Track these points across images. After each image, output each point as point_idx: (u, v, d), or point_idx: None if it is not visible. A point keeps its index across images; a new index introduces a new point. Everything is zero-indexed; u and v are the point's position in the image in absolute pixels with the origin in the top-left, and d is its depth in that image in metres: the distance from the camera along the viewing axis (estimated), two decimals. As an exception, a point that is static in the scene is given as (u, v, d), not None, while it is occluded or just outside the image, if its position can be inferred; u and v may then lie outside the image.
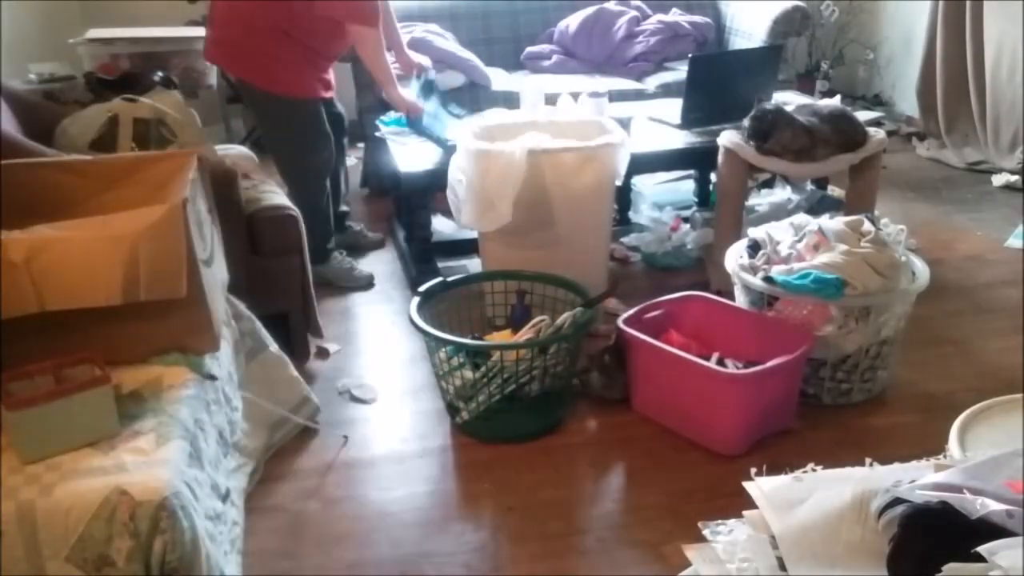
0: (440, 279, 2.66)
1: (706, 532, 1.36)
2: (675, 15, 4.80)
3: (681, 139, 3.49)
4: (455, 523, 2.15)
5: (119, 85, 3.14)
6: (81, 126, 2.63)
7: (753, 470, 1.43)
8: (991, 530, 0.95)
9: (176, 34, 3.99)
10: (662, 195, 4.03)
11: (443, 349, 2.41)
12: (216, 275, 2.02)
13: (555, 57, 4.71)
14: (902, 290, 2.47)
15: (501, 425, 2.39)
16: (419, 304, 2.50)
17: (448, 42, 4.37)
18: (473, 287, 2.78)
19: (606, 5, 4.81)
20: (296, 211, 2.77)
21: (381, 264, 3.57)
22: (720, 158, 3.13)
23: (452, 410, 2.48)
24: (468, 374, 2.41)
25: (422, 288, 2.59)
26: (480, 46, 4.52)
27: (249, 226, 2.67)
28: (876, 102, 5.53)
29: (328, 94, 3.29)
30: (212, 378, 1.88)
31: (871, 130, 3.11)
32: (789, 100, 3.73)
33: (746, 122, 3.03)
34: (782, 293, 2.45)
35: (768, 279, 2.47)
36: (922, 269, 2.55)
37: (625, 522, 2.12)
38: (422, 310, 2.49)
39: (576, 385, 2.57)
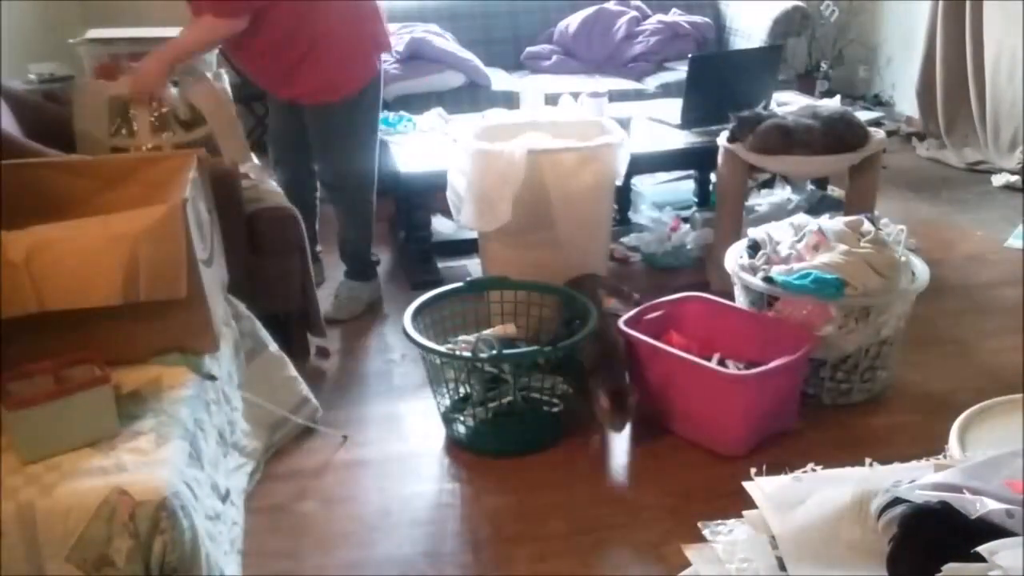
0: (444, 287, 2.60)
1: (706, 532, 1.36)
2: (675, 15, 4.81)
3: (681, 139, 3.50)
4: (455, 523, 2.15)
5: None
6: (92, 119, 2.63)
7: (753, 470, 1.43)
8: (991, 530, 0.95)
9: (176, 34, 3.97)
10: (662, 195, 4.03)
11: (433, 358, 2.36)
12: (216, 275, 2.02)
13: (555, 57, 4.71)
14: (902, 290, 2.47)
15: (495, 439, 2.36)
16: (420, 308, 2.47)
17: (448, 42, 4.38)
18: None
19: (606, 5, 4.82)
20: (296, 211, 2.77)
21: (381, 264, 3.57)
22: (720, 158, 3.13)
23: (447, 421, 2.45)
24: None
25: (420, 300, 2.51)
26: (480, 46, 4.52)
27: (249, 226, 2.67)
28: (876, 102, 5.53)
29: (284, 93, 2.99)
30: (212, 378, 1.88)
31: (871, 130, 3.11)
32: (789, 100, 3.73)
33: (732, 122, 3.05)
34: (782, 293, 2.44)
35: (768, 279, 2.47)
36: (922, 269, 2.55)
37: (625, 522, 2.12)
38: (423, 314, 2.47)
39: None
